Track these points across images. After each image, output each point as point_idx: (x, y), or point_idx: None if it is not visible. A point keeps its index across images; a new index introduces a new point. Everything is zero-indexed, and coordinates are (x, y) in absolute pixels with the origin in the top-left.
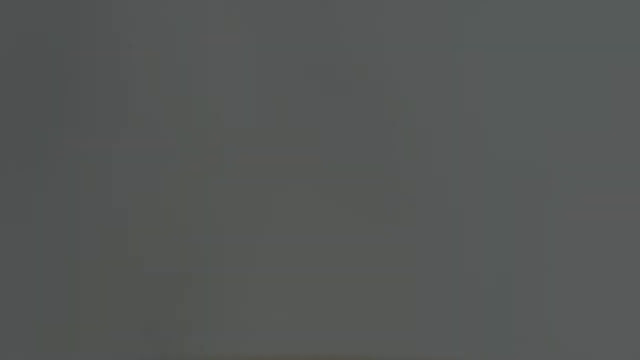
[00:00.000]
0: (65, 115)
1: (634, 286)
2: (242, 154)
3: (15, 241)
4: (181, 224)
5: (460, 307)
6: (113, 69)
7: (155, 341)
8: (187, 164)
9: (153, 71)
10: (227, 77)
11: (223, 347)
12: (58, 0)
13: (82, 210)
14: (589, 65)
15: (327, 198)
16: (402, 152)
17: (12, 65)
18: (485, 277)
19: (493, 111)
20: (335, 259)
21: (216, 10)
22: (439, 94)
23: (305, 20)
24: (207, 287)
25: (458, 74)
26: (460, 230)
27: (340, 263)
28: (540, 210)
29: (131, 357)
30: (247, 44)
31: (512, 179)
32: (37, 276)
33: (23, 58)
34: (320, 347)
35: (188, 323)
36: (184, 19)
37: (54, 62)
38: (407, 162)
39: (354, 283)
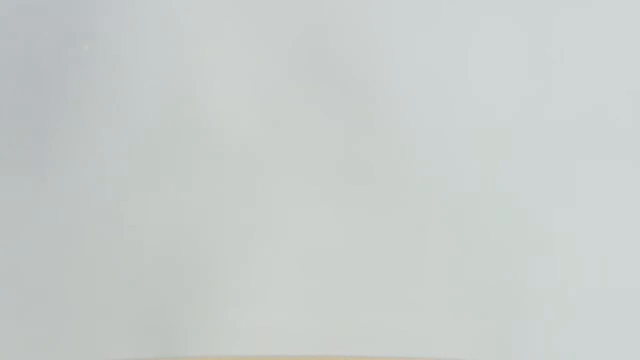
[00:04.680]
0: (62, 115)
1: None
2: (241, 153)
3: (14, 241)
4: (181, 224)
5: (460, 307)
6: (111, 68)
7: (155, 341)
8: (186, 164)
9: (152, 72)
10: (225, 76)
11: (222, 348)
12: (57, 1)
13: (81, 211)
14: (586, 68)
15: (326, 197)
16: (399, 151)
17: (11, 65)
18: (485, 276)
19: (490, 109)
20: (334, 258)
21: (213, 9)
22: (437, 93)
23: (303, 20)
24: (207, 288)
25: (455, 73)
26: (459, 229)
27: (339, 263)
28: (540, 209)
29: (131, 357)
30: (244, 44)
31: (510, 178)
32: (36, 276)
33: (22, 58)
34: (319, 347)
35: (188, 323)
36: (181, 18)
37: (52, 62)
38: (405, 162)
39: (354, 283)
